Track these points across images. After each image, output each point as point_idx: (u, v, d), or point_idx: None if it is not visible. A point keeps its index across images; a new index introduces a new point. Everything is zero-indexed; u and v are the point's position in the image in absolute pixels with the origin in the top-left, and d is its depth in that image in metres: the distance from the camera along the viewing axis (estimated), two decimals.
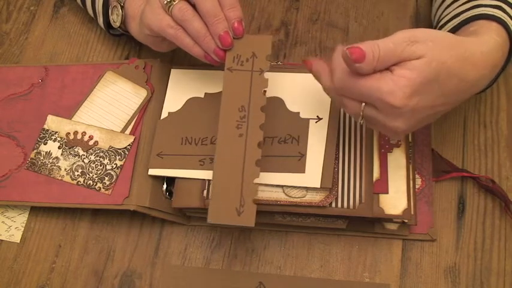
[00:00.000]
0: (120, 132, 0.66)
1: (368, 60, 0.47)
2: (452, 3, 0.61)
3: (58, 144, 0.67)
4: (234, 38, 0.58)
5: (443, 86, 0.48)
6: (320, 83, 0.55)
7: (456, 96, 0.51)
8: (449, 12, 0.61)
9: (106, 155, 0.65)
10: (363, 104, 0.50)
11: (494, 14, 0.55)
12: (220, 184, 0.56)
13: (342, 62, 0.49)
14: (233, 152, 0.57)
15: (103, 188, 0.63)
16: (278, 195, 0.59)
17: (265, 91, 0.59)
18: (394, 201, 0.58)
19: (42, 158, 0.67)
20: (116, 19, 0.66)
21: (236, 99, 0.58)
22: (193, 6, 0.57)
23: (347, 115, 0.62)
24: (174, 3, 0.57)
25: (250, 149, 0.57)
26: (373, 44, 0.47)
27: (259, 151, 0.56)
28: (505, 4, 0.57)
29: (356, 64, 0.47)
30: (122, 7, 0.65)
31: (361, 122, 0.52)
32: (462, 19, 0.57)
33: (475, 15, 0.56)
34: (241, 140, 0.57)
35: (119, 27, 0.67)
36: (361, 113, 0.51)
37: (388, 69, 0.48)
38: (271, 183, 0.60)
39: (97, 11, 0.70)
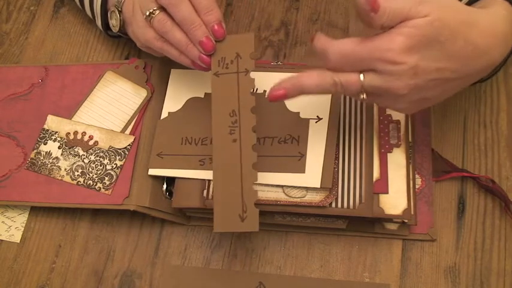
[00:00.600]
0: (120, 132, 0.66)
1: (380, 13, 0.46)
2: None
3: (58, 144, 0.67)
4: (216, 41, 0.58)
5: (447, 47, 0.47)
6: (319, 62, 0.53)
7: (465, 61, 0.49)
8: None
9: (106, 155, 0.65)
10: (361, 75, 0.49)
11: None
12: (221, 193, 0.56)
13: (329, 41, 0.49)
14: (229, 159, 0.57)
15: (103, 188, 0.63)
16: (278, 195, 0.59)
17: (256, 90, 0.58)
18: (394, 201, 0.58)
19: (42, 158, 0.67)
20: (115, 24, 0.66)
21: (226, 105, 0.58)
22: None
23: (347, 115, 0.62)
24: (154, 15, 0.57)
25: (245, 153, 0.56)
26: (386, 0, 0.46)
27: (255, 154, 0.56)
28: None
29: (371, 14, 0.46)
30: (120, 12, 0.65)
31: (363, 97, 0.50)
32: None
33: None
34: (235, 146, 0.57)
35: (119, 31, 0.67)
36: (362, 85, 0.49)
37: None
38: (271, 183, 0.60)
39: (95, 13, 0.70)
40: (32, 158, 0.67)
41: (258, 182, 0.57)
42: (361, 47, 0.48)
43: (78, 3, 0.74)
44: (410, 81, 0.48)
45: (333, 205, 0.59)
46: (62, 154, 0.66)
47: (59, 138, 0.67)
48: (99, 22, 0.70)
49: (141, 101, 0.67)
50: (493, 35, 0.50)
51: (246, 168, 0.56)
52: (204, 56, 0.58)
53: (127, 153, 0.64)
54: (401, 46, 0.46)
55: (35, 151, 0.67)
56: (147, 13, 0.58)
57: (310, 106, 0.62)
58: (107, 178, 0.64)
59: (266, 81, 0.65)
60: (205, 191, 0.61)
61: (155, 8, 0.57)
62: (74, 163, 0.65)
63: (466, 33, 0.48)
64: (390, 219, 0.60)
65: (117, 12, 0.64)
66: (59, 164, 0.66)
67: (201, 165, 0.62)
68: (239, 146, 0.57)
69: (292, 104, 0.63)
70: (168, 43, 0.58)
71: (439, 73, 0.48)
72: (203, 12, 0.57)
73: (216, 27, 0.57)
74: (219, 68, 0.58)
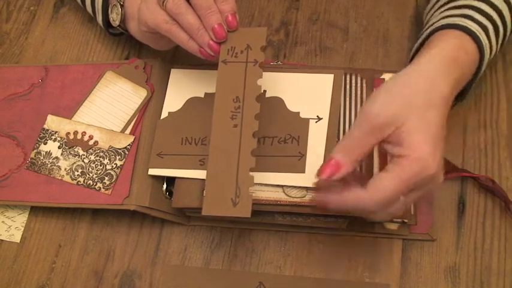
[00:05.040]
0: (120, 132, 0.66)
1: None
2: (433, 10, 0.64)
3: (58, 144, 0.67)
4: (228, 31, 0.58)
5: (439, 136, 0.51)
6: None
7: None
8: (427, 20, 0.64)
9: (106, 155, 0.65)
10: (402, 197, 0.50)
11: (457, 23, 0.57)
12: (215, 175, 0.55)
13: (360, 194, 0.49)
14: (227, 143, 0.56)
15: (103, 188, 0.63)
16: (278, 195, 0.59)
17: (263, 90, 0.58)
18: None
19: (42, 158, 0.67)
20: (115, 18, 0.66)
21: (230, 91, 0.57)
22: (188, 0, 0.57)
23: (347, 115, 0.62)
24: None
25: (245, 139, 0.56)
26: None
27: (255, 141, 0.55)
28: (478, 13, 0.59)
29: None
30: (122, 6, 0.65)
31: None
32: (430, 29, 0.59)
33: (441, 25, 0.58)
34: (236, 131, 0.56)
35: (119, 26, 0.67)
36: (407, 204, 0.51)
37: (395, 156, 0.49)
38: (271, 183, 0.59)
39: (96, 9, 0.70)
40: (32, 158, 0.67)
41: (258, 182, 0.57)
42: (398, 183, 0.48)
43: (79, 1, 0.74)
44: (439, 167, 0.50)
45: None
46: (62, 154, 0.66)
47: (59, 138, 0.67)
48: (99, 18, 0.70)
49: (141, 101, 0.67)
50: (445, 83, 0.52)
51: (245, 154, 0.55)
52: (214, 43, 0.57)
53: (127, 153, 0.64)
54: (430, 158, 0.49)
55: (35, 151, 0.67)
56: None
57: (310, 106, 0.62)
58: (106, 178, 0.64)
59: (266, 81, 0.65)
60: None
61: None
62: (74, 163, 0.65)
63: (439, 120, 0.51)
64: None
65: (119, 6, 0.65)
66: (59, 164, 0.66)
67: (201, 165, 0.62)
68: (239, 131, 0.56)
69: (292, 104, 0.63)
70: (178, 27, 0.58)
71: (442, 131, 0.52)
72: (220, 0, 0.57)
73: (230, 18, 0.57)
74: (228, 56, 0.58)
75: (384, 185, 0.48)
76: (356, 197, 0.49)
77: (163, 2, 0.57)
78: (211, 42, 0.57)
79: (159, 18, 0.58)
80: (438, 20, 0.60)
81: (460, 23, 0.57)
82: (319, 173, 0.50)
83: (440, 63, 0.53)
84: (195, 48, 0.58)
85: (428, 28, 0.61)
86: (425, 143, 0.49)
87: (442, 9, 0.62)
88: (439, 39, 0.57)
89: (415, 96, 0.50)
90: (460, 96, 0.61)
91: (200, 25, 0.57)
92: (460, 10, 0.60)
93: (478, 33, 0.57)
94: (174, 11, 0.57)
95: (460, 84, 0.56)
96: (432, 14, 0.64)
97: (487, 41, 0.58)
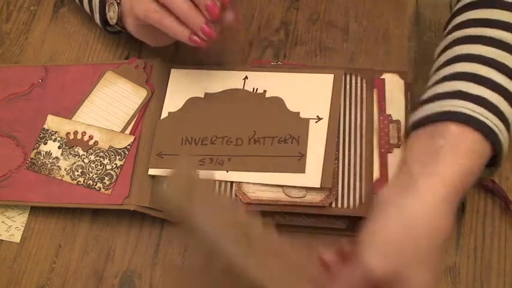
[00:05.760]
0: (120, 132, 0.66)
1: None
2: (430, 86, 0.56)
3: (58, 144, 0.67)
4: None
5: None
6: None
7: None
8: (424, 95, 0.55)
9: (106, 155, 0.65)
10: None
11: (454, 110, 0.50)
12: None
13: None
14: None
15: (103, 188, 0.63)
16: (278, 195, 0.59)
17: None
18: None
19: (42, 158, 0.67)
20: (112, 16, 0.66)
21: None
22: None
23: (347, 115, 0.62)
24: None
25: None
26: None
27: None
28: (474, 82, 0.51)
29: None
30: (118, 4, 0.65)
31: None
32: (421, 118, 0.52)
33: (434, 114, 0.51)
34: None
35: (116, 24, 0.67)
36: None
37: None
38: (271, 183, 0.60)
39: (93, 8, 0.70)
40: (32, 158, 0.67)
41: (258, 182, 0.57)
42: None
43: (77, 0, 0.74)
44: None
45: (333, 205, 0.59)
46: (62, 154, 0.66)
47: (59, 138, 0.67)
48: (97, 16, 0.70)
49: (141, 101, 0.67)
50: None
51: None
52: (206, 27, 0.56)
53: (127, 153, 0.64)
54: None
55: (35, 151, 0.67)
56: None
57: (310, 106, 0.62)
58: (106, 178, 0.64)
59: (266, 81, 0.65)
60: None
61: None
62: (74, 163, 0.65)
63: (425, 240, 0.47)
64: None
65: (115, 4, 0.65)
66: (59, 164, 0.66)
67: (201, 165, 0.62)
68: None
69: (292, 104, 0.63)
70: (168, 15, 0.57)
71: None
72: None
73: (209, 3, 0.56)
74: None
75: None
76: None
77: None
78: (204, 25, 0.56)
79: (149, 8, 0.58)
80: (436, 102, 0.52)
81: (458, 110, 0.49)
82: None
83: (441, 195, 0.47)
84: (186, 34, 0.57)
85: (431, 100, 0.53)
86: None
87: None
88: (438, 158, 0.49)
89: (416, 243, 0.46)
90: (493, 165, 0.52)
91: (191, 6, 0.56)
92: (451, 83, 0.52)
93: (494, 128, 0.49)
94: None
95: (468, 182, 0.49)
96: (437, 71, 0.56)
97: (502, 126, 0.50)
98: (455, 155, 0.48)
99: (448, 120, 0.50)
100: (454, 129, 0.49)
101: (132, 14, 0.62)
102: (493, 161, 0.51)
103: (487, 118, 0.49)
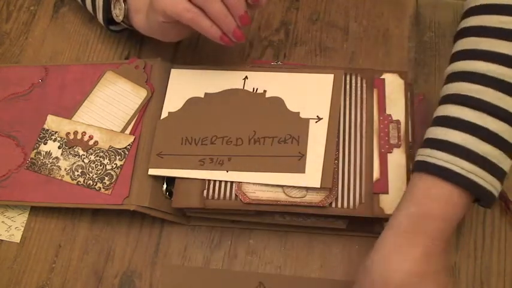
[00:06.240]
0: (120, 132, 0.66)
1: None
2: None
3: (58, 144, 0.67)
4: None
5: None
6: None
7: None
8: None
9: (106, 155, 0.65)
10: None
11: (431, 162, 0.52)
12: None
13: None
14: None
15: (103, 188, 0.63)
16: (278, 195, 0.59)
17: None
18: (394, 201, 0.58)
19: (42, 158, 0.67)
20: (118, 13, 0.66)
21: None
22: None
23: (347, 115, 0.63)
24: None
25: None
26: None
27: None
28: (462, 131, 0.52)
29: None
30: (125, 1, 0.65)
31: None
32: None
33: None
34: None
35: (122, 21, 0.67)
36: None
37: None
38: (271, 183, 0.60)
39: (97, 7, 0.70)
40: (32, 158, 0.67)
41: (258, 182, 0.57)
42: None
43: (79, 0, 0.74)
44: None
45: (333, 205, 0.59)
46: (62, 154, 0.66)
47: (59, 138, 0.67)
48: (100, 15, 0.70)
49: (141, 101, 0.67)
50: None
51: None
52: (238, 30, 0.59)
53: (127, 153, 0.64)
54: None
55: (35, 151, 0.67)
56: None
57: (310, 106, 0.62)
58: (106, 178, 0.64)
59: (266, 81, 0.65)
60: (205, 191, 0.61)
61: None
62: (74, 163, 0.65)
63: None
64: None
65: (121, 2, 0.65)
66: (59, 164, 0.66)
67: (201, 165, 0.62)
68: None
69: (292, 104, 0.63)
70: (201, 14, 0.59)
71: None
72: None
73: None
74: None
75: None
76: None
77: None
78: (236, 29, 0.59)
79: (180, 7, 0.58)
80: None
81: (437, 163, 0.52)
82: None
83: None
84: (217, 34, 0.59)
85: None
86: None
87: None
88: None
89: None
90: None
91: (223, 7, 0.58)
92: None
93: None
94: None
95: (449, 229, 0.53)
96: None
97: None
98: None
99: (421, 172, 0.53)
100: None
101: (147, 10, 0.62)
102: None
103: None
